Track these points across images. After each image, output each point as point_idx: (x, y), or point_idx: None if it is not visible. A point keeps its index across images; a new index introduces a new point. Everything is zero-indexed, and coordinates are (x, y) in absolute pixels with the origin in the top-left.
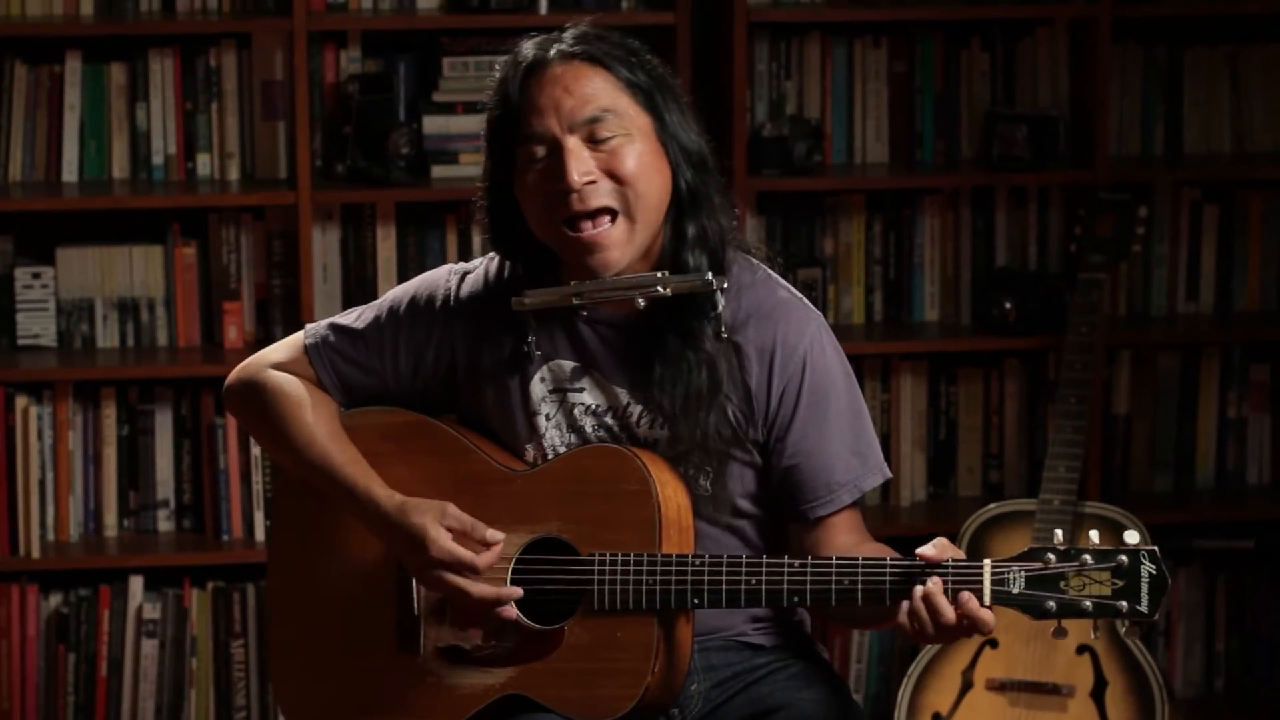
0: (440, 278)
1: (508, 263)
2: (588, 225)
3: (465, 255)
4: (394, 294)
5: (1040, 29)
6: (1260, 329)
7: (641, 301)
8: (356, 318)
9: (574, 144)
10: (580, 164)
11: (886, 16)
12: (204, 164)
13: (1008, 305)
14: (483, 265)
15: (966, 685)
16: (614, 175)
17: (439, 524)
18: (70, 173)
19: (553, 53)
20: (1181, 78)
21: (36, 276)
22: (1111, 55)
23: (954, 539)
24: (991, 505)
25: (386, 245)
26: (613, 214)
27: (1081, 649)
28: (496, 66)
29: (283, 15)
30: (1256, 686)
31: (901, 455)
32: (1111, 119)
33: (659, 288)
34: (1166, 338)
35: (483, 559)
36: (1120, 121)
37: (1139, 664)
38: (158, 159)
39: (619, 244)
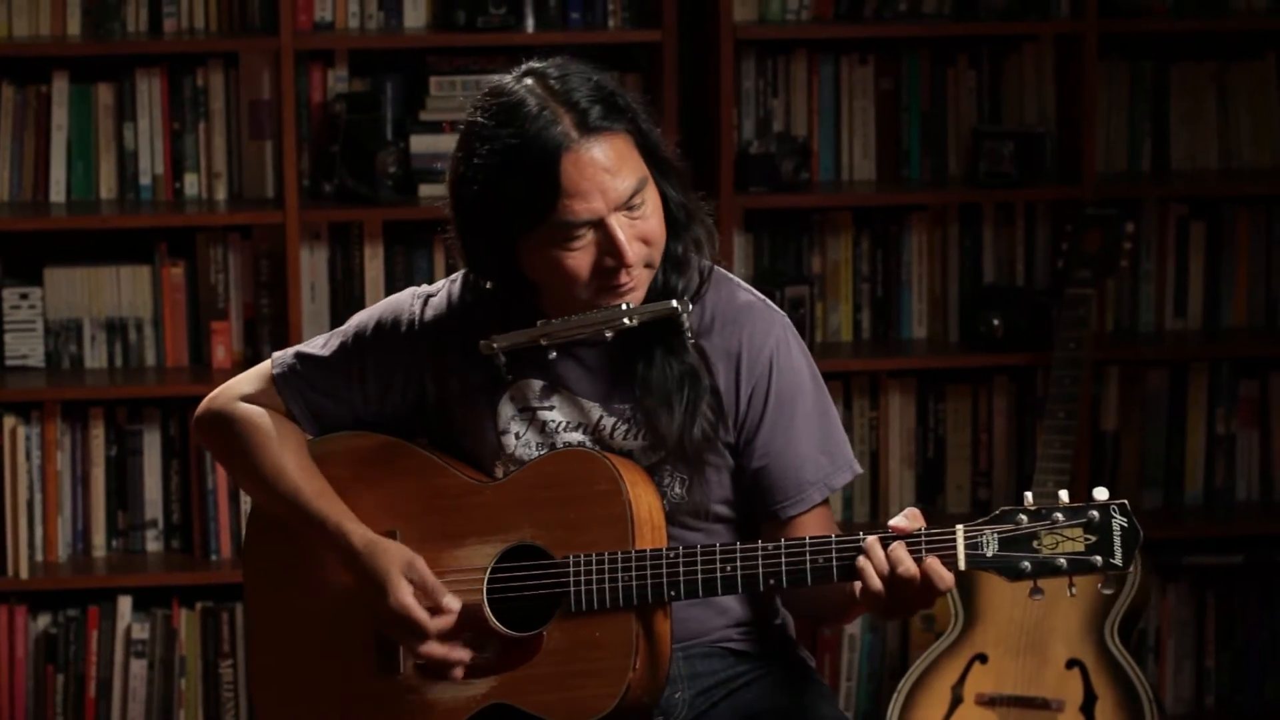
0: (404, 302)
1: (472, 284)
2: (625, 276)
3: (453, 274)
4: (358, 320)
5: (1027, 46)
6: (1248, 345)
7: (609, 334)
8: (323, 345)
9: (621, 222)
10: (633, 243)
11: (873, 34)
12: (191, 184)
13: (995, 322)
14: (445, 288)
15: (956, 700)
16: (645, 239)
17: (402, 575)
18: (58, 193)
19: (584, 130)
20: (1168, 94)
21: (24, 297)
22: (1098, 72)
23: None
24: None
25: (374, 264)
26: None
27: (1071, 663)
28: (496, 102)
29: (270, 35)
30: (1246, 703)
31: (890, 473)
32: (1098, 135)
33: (625, 320)
34: (1154, 354)
35: (436, 623)
36: (1107, 138)
37: (1129, 678)
38: (145, 179)
39: (642, 285)
